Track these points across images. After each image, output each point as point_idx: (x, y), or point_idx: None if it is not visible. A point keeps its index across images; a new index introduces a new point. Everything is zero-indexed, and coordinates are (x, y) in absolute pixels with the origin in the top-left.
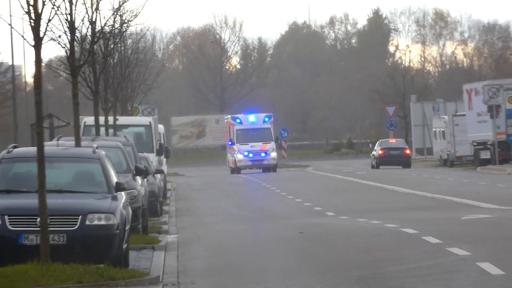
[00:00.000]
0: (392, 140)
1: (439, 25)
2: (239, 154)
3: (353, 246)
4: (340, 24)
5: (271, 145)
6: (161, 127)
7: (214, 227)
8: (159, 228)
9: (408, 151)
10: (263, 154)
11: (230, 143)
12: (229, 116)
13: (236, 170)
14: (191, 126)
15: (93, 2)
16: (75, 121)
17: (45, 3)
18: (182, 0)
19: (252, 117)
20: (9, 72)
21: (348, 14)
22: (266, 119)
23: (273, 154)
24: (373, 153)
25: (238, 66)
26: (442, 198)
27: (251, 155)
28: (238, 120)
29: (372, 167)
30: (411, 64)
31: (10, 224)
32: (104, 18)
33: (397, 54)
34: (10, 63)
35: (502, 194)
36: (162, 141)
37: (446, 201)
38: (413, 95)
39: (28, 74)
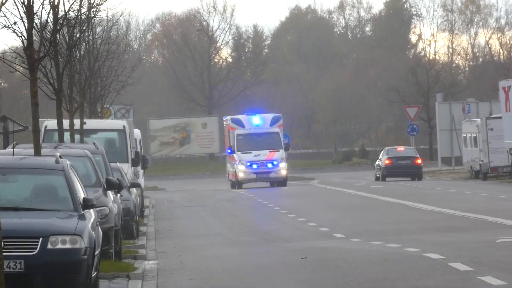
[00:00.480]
0: (401, 148)
1: (470, 9)
2: (241, 164)
3: (366, 275)
4: (351, 9)
5: (280, 153)
6: (137, 132)
7: (201, 251)
8: (135, 253)
9: (419, 161)
10: (269, 165)
11: (229, 151)
12: (228, 117)
13: (237, 184)
14: (173, 131)
15: None
16: (34, 125)
17: None
18: None
19: (256, 119)
20: None
21: None
22: (274, 121)
23: (282, 165)
24: (378, 162)
25: (230, 60)
26: (473, 217)
27: (255, 166)
28: (239, 123)
29: (377, 179)
30: (437, 57)
31: None
32: (69, 1)
33: (420, 45)
34: None
35: None
36: (139, 149)
37: (478, 221)
38: (439, 94)
39: None
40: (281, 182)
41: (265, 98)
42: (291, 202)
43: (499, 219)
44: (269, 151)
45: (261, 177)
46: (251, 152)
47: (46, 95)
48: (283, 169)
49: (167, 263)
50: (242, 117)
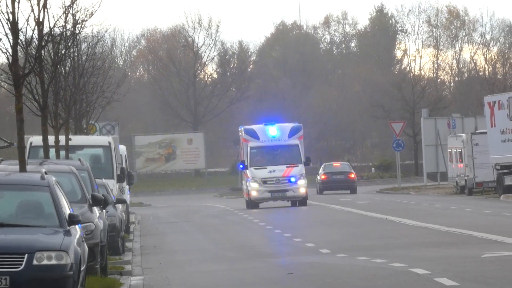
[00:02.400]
0: (336, 164)
1: (454, 25)
2: (253, 182)
3: None
4: (337, 25)
5: (299, 169)
6: (122, 148)
7: (187, 267)
8: (120, 269)
9: (353, 176)
10: (286, 182)
11: (241, 166)
12: (242, 128)
13: (250, 203)
14: (158, 147)
15: None
16: (19, 141)
17: None
18: None
19: (273, 130)
20: None
21: (346, 12)
22: (293, 132)
23: (301, 182)
24: (317, 177)
25: (215, 75)
26: (459, 232)
27: (270, 183)
28: (253, 134)
29: (317, 192)
30: (422, 72)
31: None
32: (54, 17)
33: (405, 61)
34: None
35: None
36: (124, 165)
37: (464, 236)
38: (424, 109)
39: None
40: (300, 201)
41: (251, 113)
42: (277, 217)
43: (485, 234)
44: (287, 167)
45: (277, 196)
46: (266, 168)
47: (31, 111)
48: (302, 187)
49: (153, 279)
50: (256, 127)
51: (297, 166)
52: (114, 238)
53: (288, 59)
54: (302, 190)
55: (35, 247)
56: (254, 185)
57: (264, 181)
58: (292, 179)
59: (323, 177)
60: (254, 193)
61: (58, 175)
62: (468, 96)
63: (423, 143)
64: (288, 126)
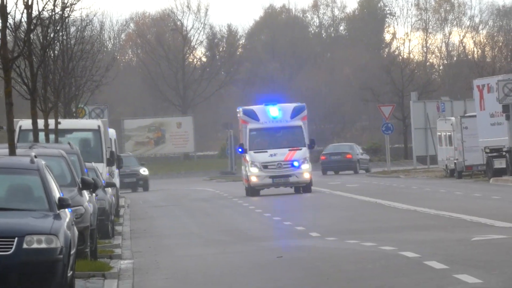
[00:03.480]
0: (338, 145)
1: (444, 8)
2: (253, 167)
3: (341, 273)
4: (325, 8)
5: (303, 152)
6: (112, 132)
7: (176, 251)
8: (110, 252)
9: (349, 156)
10: (289, 167)
11: (240, 150)
12: (241, 109)
13: (250, 190)
14: (148, 131)
15: None
16: (9, 124)
17: None
18: None
19: (274, 110)
20: None
21: None
22: (296, 112)
23: (305, 166)
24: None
25: (204, 59)
26: (449, 216)
27: (271, 167)
28: (253, 115)
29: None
30: (411, 56)
31: None
32: (43, 1)
33: (394, 44)
34: None
35: None
36: (114, 149)
37: (453, 219)
38: (413, 93)
39: None
40: (304, 187)
41: (240, 97)
42: (266, 201)
43: (474, 218)
44: (289, 150)
45: (279, 181)
46: (267, 151)
47: (21, 95)
48: (306, 172)
49: (142, 263)
50: (256, 107)
51: (301, 149)
52: (104, 221)
53: (277, 42)
54: (306, 175)
55: (25, 230)
56: (254, 170)
57: (265, 166)
58: (295, 163)
59: (322, 157)
60: (254, 179)
61: (48, 159)
62: (457, 79)
63: (412, 127)
64: (291, 106)
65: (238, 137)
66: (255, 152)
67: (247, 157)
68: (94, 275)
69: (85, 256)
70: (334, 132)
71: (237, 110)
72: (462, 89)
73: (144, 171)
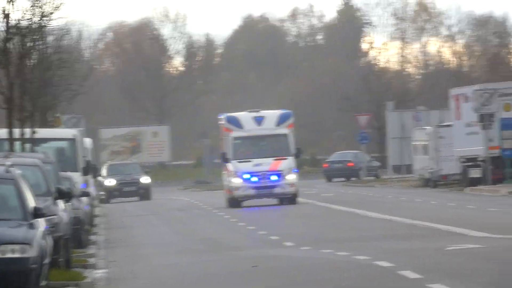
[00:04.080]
0: (343, 152)
1: (422, 18)
2: (236, 177)
3: (316, 283)
4: (303, 17)
5: (288, 162)
6: (88, 141)
7: (153, 260)
8: (84, 262)
9: (351, 164)
10: (274, 177)
11: (222, 159)
12: (224, 116)
13: (232, 201)
14: (124, 140)
15: None
16: None
17: None
18: None
19: (259, 118)
20: None
21: (313, 5)
22: (282, 119)
23: (291, 177)
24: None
25: (181, 68)
26: (423, 225)
27: (255, 178)
28: (236, 123)
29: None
30: (388, 65)
31: None
32: (21, 10)
33: (372, 53)
34: None
35: (494, 220)
36: (89, 158)
37: (428, 229)
38: (390, 102)
39: None
40: (289, 199)
41: (218, 106)
42: (242, 210)
43: (449, 227)
44: (274, 159)
45: (263, 193)
46: (251, 161)
47: None
48: (291, 182)
49: (118, 272)
50: (240, 114)
51: (286, 158)
52: (79, 231)
53: (255, 52)
54: (292, 186)
55: None
56: (237, 180)
57: (249, 176)
58: (281, 174)
59: (325, 165)
60: (236, 190)
61: (23, 168)
62: (434, 89)
63: (388, 136)
64: (276, 113)
65: (218, 146)
66: (238, 162)
67: (230, 167)
68: (68, 285)
69: (59, 265)
70: (312, 141)
71: (219, 117)
72: (438, 99)
73: (146, 179)
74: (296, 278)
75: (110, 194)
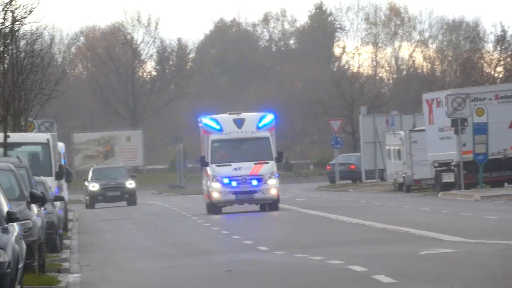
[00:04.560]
0: (346, 155)
1: (394, 22)
2: (215, 181)
3: (290, 287)
4: (275, 22)
5: (270, 166)
6: (61, 146)
7: (125, 265)
8: (58, 266)
9: (352, 167)
10: (254, 182)
11: (201, 163)
12: (202, 117)
13: (212, 207)
14: (97, 145)
15: None
16: None
17: None
18: None
19: (239, 120)
20: None
21: (285, 10)
22: (263, 122)
23: (272, 182)
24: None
25: (154, 73)
26: (397, 230)
27: (234, 183)
28: (215, 125)
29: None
30: (361, 70)
31: None
32: None
33: (344, 58)
34: None
35: (468, 225)
36: (63, 162)
37: (402, 233)
38: (363, 107)
39: None
40: (271, 204)
41: (190, 111)
42: (215, 215)
43: (423, 232)
44: (255, 163)
45: (243, 198)
46: (230, 165)
47: None
48: (272, 188)
49: (91, 276)
50: (220, 117)
51: (268, 162)
52: (52, 235)
53: (227, 56)
54: (273, 191)
55: None
56: (216, 185)
57: (228, 181)
58: (262, 178)
59: (328, 167)
60: (216, 195)
61: None
62: (407, 93)
63: (361, 141)
64: (257, 115)
65: (190, 151)
66: (217, 166)
67: (209, 171)
68: None
69: (33, 270)
70: (284, 146)
71: (198, 120)
72: (411, 103)
73: (130, 183)
74: (270, 282)
75: (94, 199)
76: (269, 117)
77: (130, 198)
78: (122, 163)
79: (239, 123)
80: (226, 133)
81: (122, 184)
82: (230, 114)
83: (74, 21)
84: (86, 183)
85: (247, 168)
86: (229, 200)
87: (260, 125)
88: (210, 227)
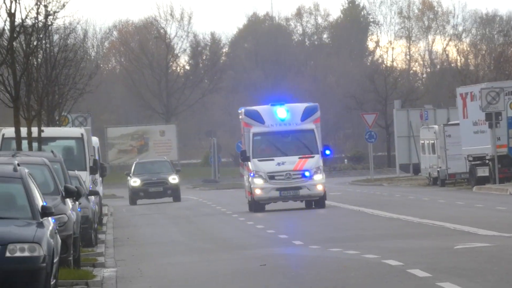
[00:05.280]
0: None
1: (427, 16)
2: (258, 177)
3: (324, 282)
4: (309, 16)
5: (315, 160)
6: (95, 140)
7: (160, 259)
8: (93, 261)
9: None
10: (299, 177)
11: (242, 157)
12: (243, 109)
13: (254, 205)
14: (131, 139)
15: None
16: None
17: None
18: None
19: (282, 111)
20: None
21: (318, 4)
22: (308, 113)
23: (318, 177)
24: None
25: (187, 67)
26: (432, 224)
27: (279, 178)
28: (257, 117)
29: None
30: (394, 64)
31: None
32: (26, 9)
33: (378, 52)
34: None
35: (503, 219)
36: (97, 157)
37: (436, 227)
38: (397, 101)
39: None
40: (317, 201)
41: (224, 105)
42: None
43: (457, 226)
44: (299, 158)
45: (287, 195)
46: (273, 159)
47: (4, 103)
48: (319, 184)
49: (126, 271)
50: (261, 108)
51: (313, 157)
52: (87, 230)
53: (260, 50)
54: (319, 188)
55: (8, 239)
56: (259, 181)
57: (271, 176)
58: (307, 174)
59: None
60: (258, 192)
61: (31, 167)
62: (441, 87)
63: (395, 135)
64: (301, 106)
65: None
66: (259, 160)
67: (250, 166)
68: (77, 283)
69: (68, 264)
70: None
71: (239, 111)
72: (445, 97)
73: (173, 179)
74: (305, 277)
75: (136, 195)
76: (314, 108)
77: (173, 193)
78: (166, 157)
79: (282, 114)
80: (268, 125)
81: (165, 179)
82: (272, 105)
83: (107, 15)
84: (128, 178)
85: (291, 162)
86: (273, 197)
87: (304, 116)
88: (245, 221)
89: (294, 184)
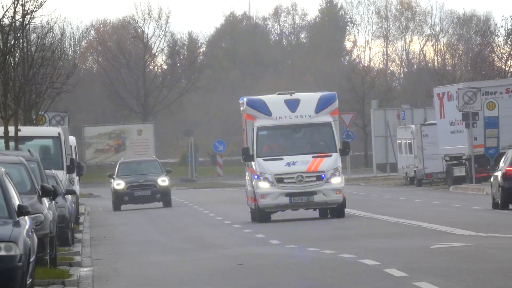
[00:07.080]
0: None
1: (405, 16)
2: (263, 180)
3: (302, 281)
4: (286, 16)
5: (333, 160)
6: (72, 139)
7: (137, 258)
8: (70, 260)
9: None
10: (314, 180)
11: (244, 156)
12: (245, 99)
13: (259, 213)
14: (108, 138)
15: None
16: None
17: None
18: None
19: (292, 101)
20: None
21: (296, 4)
22: (324, 104)
23: (336, 180)
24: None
25: (165, 66)
26: (408, 223)
27: (289, 182)
28: (262, 108)
29: None
30: (372, 64)
31: None
32: (3, 8)
33: (355, 52)
34: None
35: (479, 219)
36: (74, 156)
37: (413, 227)
38: (374, 101)
39: None
40: (334, 210)
41: (201, 104)
42: (227, 209)
43: (434, 225)
44: (313, 157)
45: (299, 201)
46: (282, 159)
47: None
48: (337, 188)
49: (102, 270)
50: (267, 98)
51: (330, 155)
52: (64, 229)
53: (238, 50)
54: (338, 193)
55: None
56: (264, 185)
57: (279, 179)
58: (323, 176)
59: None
60: (263, 198)
61: (7, 166)
62: (418, 87)
63: (372, 134)
64: (315, 95)
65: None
66: (265, 160)
67: (254, 167)
68: (53, 282)
69: (45, 263)
70: None
71: (240, 102)
72: (422, 97)
73: (163, 181)
74: (281, 276)
75: (119, 200)
76: (332, 97)
77: (163, 198)
78: (155, 156)
79: (293, 105)
80: (275, 118)
81: (153, 181)
82: (279, 94)
83: (85, 14)
84: (111, 180)
85: (303, 162)
86: (281, 204)
87: (319, 107)
88: (222, 220)
89: (307, 188)
